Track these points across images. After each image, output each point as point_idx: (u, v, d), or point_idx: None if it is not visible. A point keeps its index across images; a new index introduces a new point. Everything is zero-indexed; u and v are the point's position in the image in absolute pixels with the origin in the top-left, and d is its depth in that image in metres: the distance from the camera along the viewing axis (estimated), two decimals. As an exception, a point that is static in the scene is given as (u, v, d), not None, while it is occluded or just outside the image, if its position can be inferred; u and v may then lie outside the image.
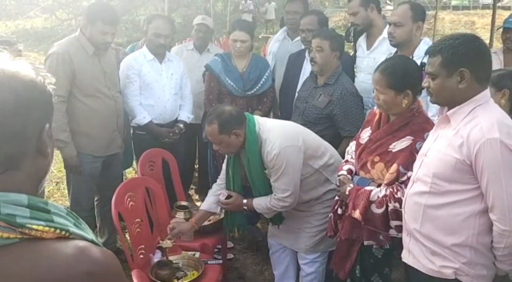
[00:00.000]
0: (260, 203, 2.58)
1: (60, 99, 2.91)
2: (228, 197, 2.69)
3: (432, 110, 2.59)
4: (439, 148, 1.78)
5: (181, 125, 3.57)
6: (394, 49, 3.04)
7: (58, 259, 0.73)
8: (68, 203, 4.14)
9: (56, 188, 4.65)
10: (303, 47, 3.73)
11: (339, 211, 2.34)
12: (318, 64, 2.94)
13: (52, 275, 0.72)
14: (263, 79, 3.51)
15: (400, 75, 2.09)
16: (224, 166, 2.78)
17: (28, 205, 0.75)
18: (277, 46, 3.86)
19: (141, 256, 2.63)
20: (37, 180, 0.83)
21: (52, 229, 0.74)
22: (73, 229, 0.77)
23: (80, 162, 3.02)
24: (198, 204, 4.07)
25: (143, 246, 2.66)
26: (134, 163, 4.18)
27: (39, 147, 0.81)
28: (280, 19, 4.70)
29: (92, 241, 0.78)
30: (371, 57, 3.31)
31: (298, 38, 3.78)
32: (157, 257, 2.73)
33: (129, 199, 2.64)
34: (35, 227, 0.73)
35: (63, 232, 0.76)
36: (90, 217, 3.28)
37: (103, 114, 3.07)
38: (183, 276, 2.59)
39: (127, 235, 2.94)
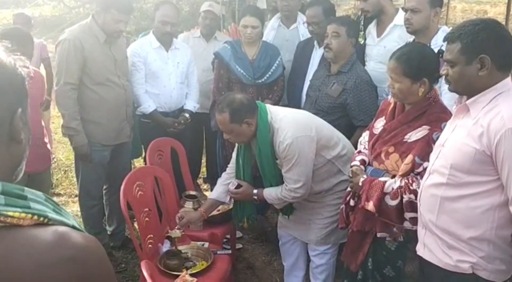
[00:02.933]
0: (270, 193, 2.53)
1: (71, 86, 2.88)
2: (238, 186, 2.65)
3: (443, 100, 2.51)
4: (457, 138, 1.72)
5: (187, 115, 3.54)
6: (405, 37, 2.95)
7: (37, 246, 0.69)
8: (76, 191, 4.14)
9: (64, 176, 4.64)
10: (300, 34, 3.65)
11: (351, 203, 2.28)
12: (333, 51, 2.87)
13: (31, 262, 0.68)
14: (273, 67, 3.44)
15: (416, 62, 2.01)
16: (234, 155, 2.74)
17: (3, 191, 0.71)
18: (273, 35, 3.74)
19: (150, 245, 2.61)
20: (11, 167, 0.80)
21: (29, 216, 0.71)
22: (52, 215, 0.73)
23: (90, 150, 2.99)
24: (206, 193, 4.04)
25: (151, 236, 2.63)
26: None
27: (11, 133, 0.77)
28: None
29: (73, 227, 0.75)
30: (381, 45, 3.22)
31: (294, 25, 3.70)
32: (165, 246, 2.70)
33: (138, 188, 2.61)
34: (11, 213, 0.69)
35: (41, 218, 0.72)
36: (99, 206, 3.28)
37: (112, 103, 3.03)
38: (192, 266, 2.56)
39: (135, 224, 2.93)
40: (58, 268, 0.68)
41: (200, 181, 4.49)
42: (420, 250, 1.90)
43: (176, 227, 2.67)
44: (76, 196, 4.12)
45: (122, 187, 2.50)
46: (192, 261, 2.62)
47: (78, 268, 0.70)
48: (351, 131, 2.86)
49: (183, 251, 2.64)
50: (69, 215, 0.78)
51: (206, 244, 2.80)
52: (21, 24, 6.40)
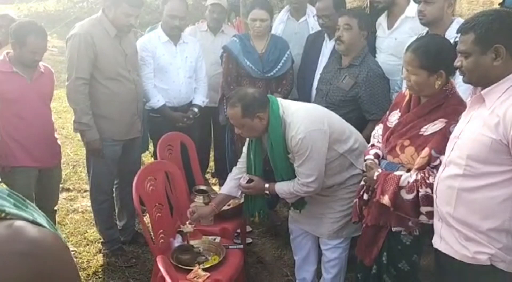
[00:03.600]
0: (282, 187, 2.52)
1: (82, 81, 2.87)
2: (249, 181, 2.64)
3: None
4: (473, 129, 1.70)
5: (196, 110, 3.53)
6: (417, 29, 2.91)
7: None
8: (85, 186, 4.15)
9: (73, 172, 4.65)
10: (309, 27, 3.62)
11: (365, 197, 2.27)
12: (345, 44, 2.84)
13: None
14: (282, 61, 3.41)
15: (434, 55, 1.99)
16: (244, 149, 2.72)
17: None
18: (282, 28, 3.70)
19: (162, 240, 2.60)
20: None
21: None
22: (10, 209, 0.70)
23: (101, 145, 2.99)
24: (215, 188, 4.03)
25: (163, 230, 2.63)
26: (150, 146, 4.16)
27: None
28: None
29: (33, 221, 0.71)
30: (392, 37, 3.19)
31: (304, 18, 3.67)
32: (177, 241, 2.70)
33: (149, 183, 2.61)
34: None
35: None
36: (110, 201, 3.28)
37: (123, 98, 3.03)
38: (204, 261, 2.56)
39: (145, 219, 2.92)
40: (10, 262, 0.64)
41: (208, 176, 4.49)
42: (437, 243, 1.89)
43: (188, 222, 2.67)
44: (85, 191, 4.13)
45: (134, 182, 2.49)
46: (204, 256, 2.62)
47: (31, 263, 0.66)
48: (362, 125, 2.84)
49: (195, 246, 2.64)
50: (36, 211, 0.75)
51: (218, 239, 2.79)
52: (5, 26, 6.21)
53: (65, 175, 4.48)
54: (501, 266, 1.70)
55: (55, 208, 3.29)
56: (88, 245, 3.43)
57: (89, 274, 3.09)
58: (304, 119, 2.37)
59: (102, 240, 3.34)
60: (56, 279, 0.68)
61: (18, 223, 0.69)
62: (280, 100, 2.49)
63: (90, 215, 3.67)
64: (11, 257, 0.65)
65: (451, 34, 2.49)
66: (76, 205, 4.02)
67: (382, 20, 3.28)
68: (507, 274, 1.71)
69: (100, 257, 3.29)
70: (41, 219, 0.74)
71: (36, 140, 2.82)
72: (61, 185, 4.08)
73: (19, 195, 0.76)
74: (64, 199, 4.06)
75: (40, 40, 2.72)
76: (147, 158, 4.62)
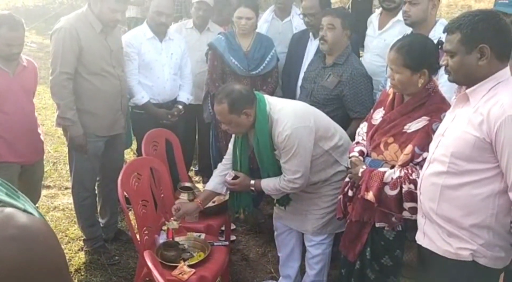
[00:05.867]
0: (268, 184, 2.54)
1: (67, 76, 2.83)
2: (235, 177, 2.65)
3: None
4: (457, 127, 1.75)
5: (180, 107, 3.52)
6: (406, 32, 2.96)
7: None
8: (66, 184, 4.09)
9: (53, 169, 4.57)
10: (293, 27, 3.66)
11: (350, 193, 2.30)
12: (329, 43, 2.88)
13: None
14: (267, 59, 3.44)
15: (417, 54, 2.03)
16: (230, 146, 2.73)
17: None
18: (266, 28, 3.73)
19: (146, 236, 2.59)
20: None
21: None
22: (1, 197, 0.72)
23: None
24: (198, 186, 4.02)
25: (148, 227, 2.62)
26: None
27: None
28: None
29: (24, 210, 0.73)
30: (381, 38, 3.22)
31: (288, 18, 3.71)
32: (162, 238, 2.69)
33: (134, 179, 2.59)
34: None
35: None
36: (92, 197, 3.24)
37: (108, 94, 2.99)
38: (189, 258, 2.56)
39: (130, 215, 2.90)
40: (1, 246, 0.66)
41: (191, 173, 4.47)
42: (420, 239, 1.93)
43: (173, 219, 2.66)
44: (66, 188, 4.07)
45: (119, 178, 2.47)
46: (189, 252, 2.62)
47: (22, 247, 0.68)
48: (346, 123, 2.88)
49: (180, 243, 2.63)
50: (27, 202, 0.77)
51: (203, 236, 2.80)
52: None
53: (46, 172, 4.38)
54: (483, 262, 1.75)
55: (36, 205, 3.24)
56: (69, 242, 3.39)
57: (71, 272, 3.05)
58: (291, 116, 2.39)
59: (84, 237, 3.30)
60: (45, 264, 0.70)
61: (9, 209, 0.71)
62: (267, 97, 2.51)
63: (71, 212, 3.62)
64: (2, 241, 0.67)
65: (435, 35, 2.54)
66: (56, 202, 3.96)
67: (374, 19, 3.31)
68: (488, 270, 1.76)
69: (82, 254, 3.25)
70: (32, 209, 0.75)
71: (20, 135, 2.77)
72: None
73: (11, 186, 0.77)
74: (45, 196, 3.99)
75: (14, 32, 2.64)
76: (129, 155, 4.57)
